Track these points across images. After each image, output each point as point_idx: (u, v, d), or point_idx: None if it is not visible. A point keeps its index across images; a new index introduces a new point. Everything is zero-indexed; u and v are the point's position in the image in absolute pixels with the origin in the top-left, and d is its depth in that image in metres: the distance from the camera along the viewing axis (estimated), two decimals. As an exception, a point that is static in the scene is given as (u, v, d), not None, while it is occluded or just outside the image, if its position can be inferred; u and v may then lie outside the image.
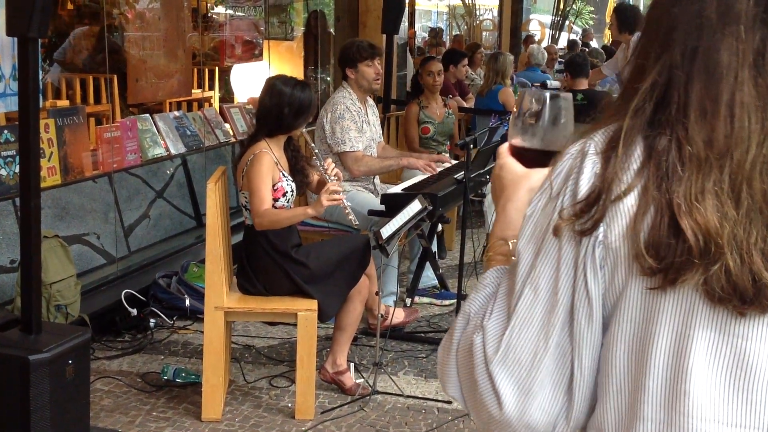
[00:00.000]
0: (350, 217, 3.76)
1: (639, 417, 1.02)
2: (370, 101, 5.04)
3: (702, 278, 0.96)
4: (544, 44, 14.59)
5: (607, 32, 21.79)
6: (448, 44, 14.91)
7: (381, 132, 5.16)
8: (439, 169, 5.04)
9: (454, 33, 17.51)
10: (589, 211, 1.01)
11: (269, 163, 3.61)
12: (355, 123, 4.74)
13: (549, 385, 1.06)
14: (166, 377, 3.90)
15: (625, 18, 6.58)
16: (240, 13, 7.90)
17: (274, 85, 3.72)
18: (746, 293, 0.95)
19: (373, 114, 5.03)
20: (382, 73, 4.95)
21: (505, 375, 1.07)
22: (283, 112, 3.67)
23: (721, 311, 0.98)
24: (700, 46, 1.00)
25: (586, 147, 1.06)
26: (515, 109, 1.27)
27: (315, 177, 3.93)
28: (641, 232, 0.98)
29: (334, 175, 3.74)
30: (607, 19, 23.33)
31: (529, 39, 13.91)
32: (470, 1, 16.73)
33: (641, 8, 13.55)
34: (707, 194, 0.96)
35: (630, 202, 1.00)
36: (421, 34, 17.80)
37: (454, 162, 5.31)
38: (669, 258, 0.96)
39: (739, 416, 0.99)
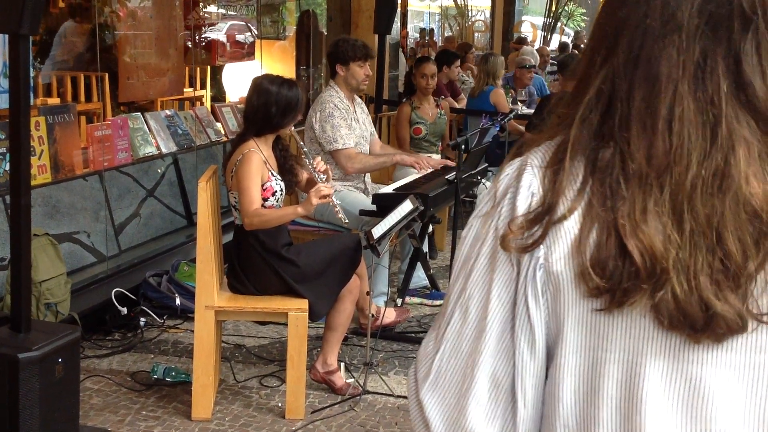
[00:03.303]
0: (340, 215, 3.76)
1: None
2: (358, 99, 5.05)
3: (650, 303, 0.91)
4: (536, 46, 14.63)
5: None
6: (439, 45, 14.93)
7: (373, 129, 5.15)
8: (431, 169, 5.05)
9: (446, 34, 17.54)
10: (531, 229, 0.97)
11: (258, 163, 3.61)
12: (345, 120, 4.74)
13: (482, 418, 0.99)
14: (156, 376, 3.89)
15: None
16: (232, 13, 7.90)
17: (261, 84, 3.72)
18: (696, 321, 0.91)
19: (363, 112, 5.03)
20: (371, 75, 4.95)
21: (434, 404, 1.01)
22: (271, 111, 3.67)
23: (673, 336, 0.94)
24: (642, 54, 0.95)
25: (525, 163, 1.01)
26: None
27: (304, 176, 3.93)
28: (586, 251, 0.93)
29: (323, 173, 3.74)
30: (599, 22, 23.37)
31: (520, 41, 13.93)
32: (462, 2, 16.76)
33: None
34: (649, 215, 0.91)
35: (572, 222, 0.95)
36: (413, 35, 17.82)
37: (446, 162, 5.31)
38: (616, 278, 0.92)
39: None
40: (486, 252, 1.00)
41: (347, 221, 3.82)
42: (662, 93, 0.94)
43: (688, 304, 0.90)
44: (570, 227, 0.95)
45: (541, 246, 0.96)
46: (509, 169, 1.03)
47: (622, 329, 0.95)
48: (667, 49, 0.94)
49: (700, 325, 0.91)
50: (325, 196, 3.58)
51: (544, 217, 0.96)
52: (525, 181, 0.99)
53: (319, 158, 3.88)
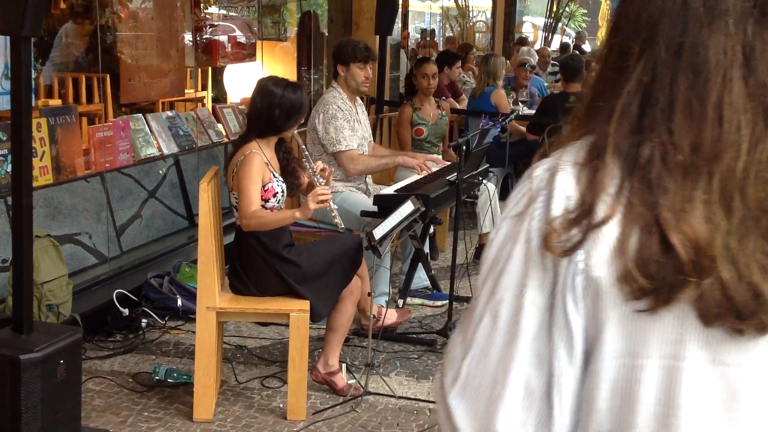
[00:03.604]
0: (336, 220, 3.76)
1: None
2: (359, 100, 5.05)
3: (696, 295, 0.90)
4: (537, 46, 14.64)
5: (600, 35, 21.83)
6: (440, 45, 14.94)
7: (371, 132, 5.17)
8: (434, 169, 5.06)
9: (447, 34, 17.55)
10: (569, 231, 0.94)
11: (259, 164, 3.61)
12: (348, 122, 4.75)
13: (514, 425, 0.96)
14: (157, 377, 3.89)
15: None
16: (233, 14, 7.89)
17: (265, 86, 3.73)
18: (745, 308, 0.89)
19: (363, 113, 5.04)
20: (371, 77, 4.96)
21: (463, 409, 0.98)
22: (274, 113, 3.68)
23: (711, 339, 0.93)
24: (686, 42, 0.93)
25: (558, 164, 0.98)
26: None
27: (305, 179, 3.94)
28: (628, 252, 0.91)
29: (323, 177, 3.75)
30: (600, 22, 23.41)
31: (521, 41, 13.94)
32: (463, 3, 16.76)
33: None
34: (695, 203, 0.90)
35: (613, 224, 0.93)
36: (415, 36, 17.83)
37: (447, 163, 5.32)
38: (660, 276, 0.90)
39: None
40: (518, 255, 0.98)
41: (343, 227, 3.82)
42: (711, 80, 0.92)
43: (736, 291, 0.89)
44: (610, 230, 0.93)
45: (580, 251, 0.94)
46: (540, 170, 0.99)
47: (661, 334, 0.93)
48: (715, 34, 0.92)
49: (748, 312, 0.89)
50: (322, 201, 3.58)
51: (583, 219, 0.93)
52: (559, 184, 0.96)
53: (320, 162, 3.88)
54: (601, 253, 0.93)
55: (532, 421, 0.96)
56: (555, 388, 0.96)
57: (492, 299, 0.99)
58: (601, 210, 0.93)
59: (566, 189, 0.96)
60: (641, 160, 0.93)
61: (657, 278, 0.90)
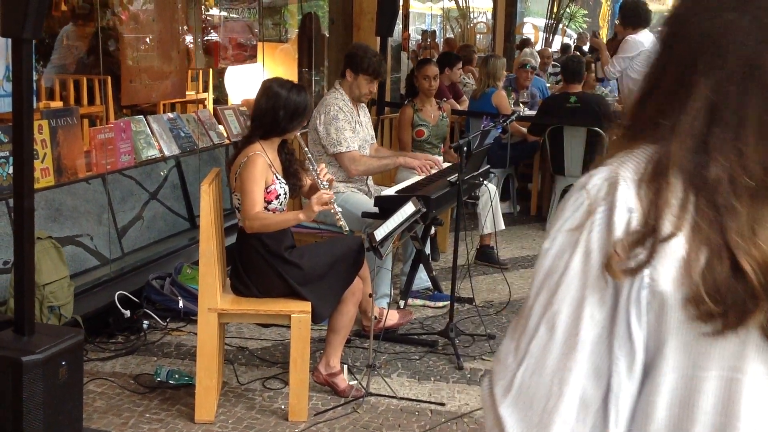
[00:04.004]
0: (341, 223, 3.76)
1: None
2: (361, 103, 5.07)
3: (765, 319, 0.89)
4: (538, 47, 14.65)
5: (601, 35, 21.83)
6: (441, 47, 14.94)
7: (374, 133, 5.18)
8: (433, 171, 5.06)
9: (447, 36, 17.54)
10: (634, 250, 0.92)
11: (263, 166, 3.62)
12: (349, 123, 4.76)
13: None
14: (159, 379, 3.89)
15: (624, 13, 6.63)
16: (234, 15, 7.90)
17: (270, 88, 3.73)
18: None
19: (365, 115, 5.05)
20: (374, 93, 5.01)
21: (515, 419, 0.97)
22: (278, 114, 3.68)
23: None
24: (760, 61, 0.91)
25: (617, 176, 0.96)
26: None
27: (308, 181, 3.94)
28: (697, 275, 0.90)
29: (326, 180, 3.75)
30: (601, 23, 23.41)
31: (525, 42, 13.95)
32: (464, 4, 16.76)
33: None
34: (764, 225, 0.88)
35: (679, 241, 0.91)
36: (415, 37, 17.83)
37: (447, 164, 5.32)
38: (730, 300, 0.89)
39: None
40: (576, 267, 0.96)
41: (348, 230, 3.82)
42: None
43: None
44: (676, 247, 0.92)
45: (647, 267, 0.93)
46: (597, 180, 0.98)
47: (723, 350, 0.93)
48: None
49: None
50: (326, 203, 3.59)
51: (649, 238, 0.92)
52: (621, 196, 0.95)
53: (323, 165, 3.89)
54: (668, 267, 0.92)
55: None
56: (612, 402, 0.95)
57: (548, 310, 0.98)
58: (666, 227, 0.92)
59: (628, 201, 0.95)
60: (709, 181, 0.91)
61: (726, 302, 0.89)
